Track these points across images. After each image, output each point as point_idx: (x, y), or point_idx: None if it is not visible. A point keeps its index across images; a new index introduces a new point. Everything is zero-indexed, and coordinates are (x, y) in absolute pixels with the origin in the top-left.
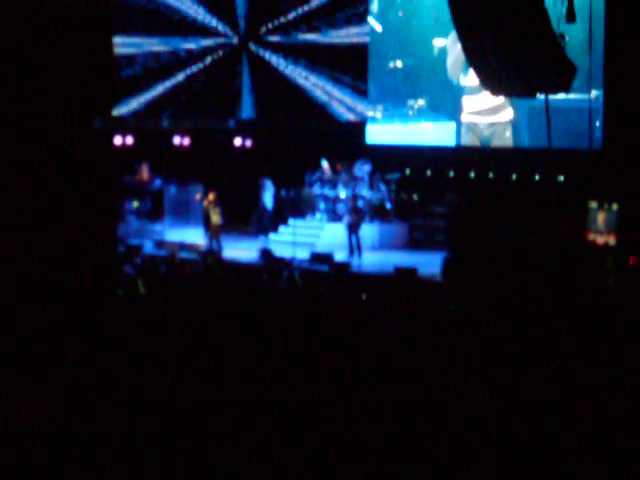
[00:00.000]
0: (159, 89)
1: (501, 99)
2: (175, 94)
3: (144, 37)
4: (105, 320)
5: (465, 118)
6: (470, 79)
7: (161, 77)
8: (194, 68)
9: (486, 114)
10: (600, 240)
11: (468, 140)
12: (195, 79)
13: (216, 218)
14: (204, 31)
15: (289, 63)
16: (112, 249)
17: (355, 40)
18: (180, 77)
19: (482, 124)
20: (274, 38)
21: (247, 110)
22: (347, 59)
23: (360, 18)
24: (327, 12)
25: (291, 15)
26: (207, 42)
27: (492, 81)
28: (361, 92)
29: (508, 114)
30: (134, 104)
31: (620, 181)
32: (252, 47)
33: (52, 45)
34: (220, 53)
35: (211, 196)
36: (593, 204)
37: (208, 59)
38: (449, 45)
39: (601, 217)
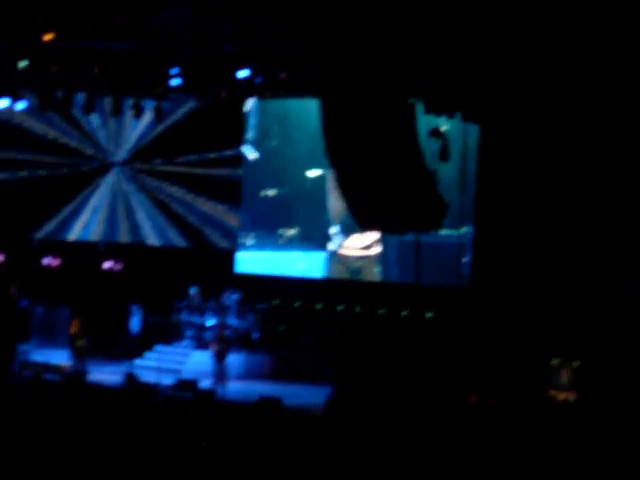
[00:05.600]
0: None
1: (376, 236)
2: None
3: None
4: None
5: (336, 249)
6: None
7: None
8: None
9: (359, 250)
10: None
11: (337, 271)
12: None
13: (82, 341)
14: (82, 151)
15: (165, 190)
16: None
17: (229, 174)
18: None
19: (353, 256)
20: (152, 166)
21: (123, 234)
22: (221, 189)
23: (234, 159)
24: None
25: (169, 147)
26: (85, 162)
27: (364, 216)
28: (234, 221)
29: (377, 249)
30: None
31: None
32: (128, 172)
33: None
34: (97, 175)
35: (77, 320)
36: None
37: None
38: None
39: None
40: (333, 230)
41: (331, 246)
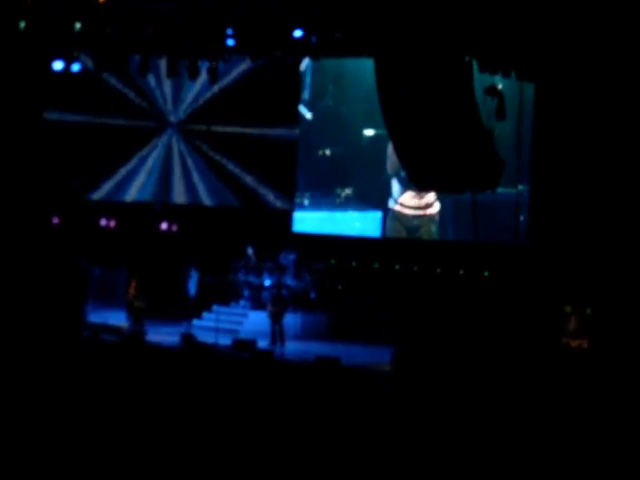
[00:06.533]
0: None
1: (432, 195)
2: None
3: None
4: None
5: (394, 206)
6: None
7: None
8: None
9: (417, 209)
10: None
11: (394, 228)
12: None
13: (139, 302)
14: (138, 112)
15: (220, 151)
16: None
17: (285, 134)
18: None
19: (409, 215)
20: (208, 127)
21: (178, 195)
22: (277, 149)
23: (291, 119)
24: (259, 110)
25: (224, 108)
26: (141, 123)
27: (421, 176)
28: (290, 181)
29: (435, 208)
30: None
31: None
32: (183, 133)
33: None
34: (153, 136)
35: (134, 282)
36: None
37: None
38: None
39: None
40: (393, 186)
41: (390, 203)
